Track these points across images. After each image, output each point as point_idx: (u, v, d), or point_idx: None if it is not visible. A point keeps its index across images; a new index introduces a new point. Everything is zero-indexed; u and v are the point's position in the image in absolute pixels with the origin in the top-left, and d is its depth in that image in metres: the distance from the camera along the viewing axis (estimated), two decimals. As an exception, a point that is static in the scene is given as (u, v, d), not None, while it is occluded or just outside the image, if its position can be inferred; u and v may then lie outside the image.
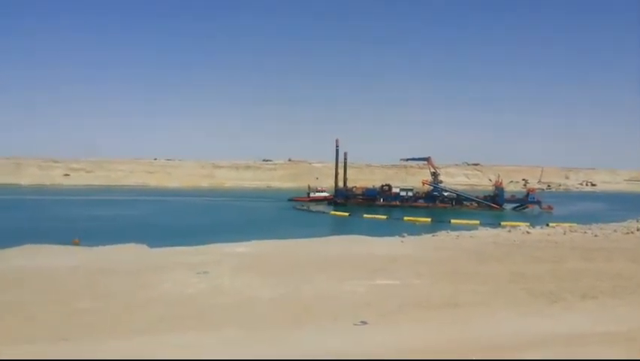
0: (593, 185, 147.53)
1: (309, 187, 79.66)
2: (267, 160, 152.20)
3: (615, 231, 23.03)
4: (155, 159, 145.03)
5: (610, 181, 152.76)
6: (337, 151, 79.01)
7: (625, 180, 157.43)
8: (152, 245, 20.85)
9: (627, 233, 22.12)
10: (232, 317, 9.86)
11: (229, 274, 13.55)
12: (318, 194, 77.90)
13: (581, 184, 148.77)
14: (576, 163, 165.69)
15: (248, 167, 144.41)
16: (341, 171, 78.85)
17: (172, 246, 19.98)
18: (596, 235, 21.79)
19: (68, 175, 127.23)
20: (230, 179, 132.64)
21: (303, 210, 67.31)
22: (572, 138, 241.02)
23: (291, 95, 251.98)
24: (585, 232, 22.85)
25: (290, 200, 76.55)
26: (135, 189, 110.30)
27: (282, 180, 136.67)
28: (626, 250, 17.68)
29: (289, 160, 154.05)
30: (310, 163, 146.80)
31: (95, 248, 19.98)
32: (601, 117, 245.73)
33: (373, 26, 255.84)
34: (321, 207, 69.93)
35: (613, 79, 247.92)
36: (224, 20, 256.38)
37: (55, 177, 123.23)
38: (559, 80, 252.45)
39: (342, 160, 79.53)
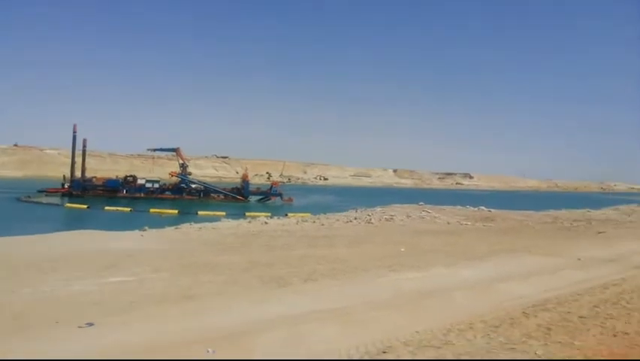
0: (325, 179, 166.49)
1: (64, 177, 70.54)
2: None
3: (338, 220, 26.24)
4: None
5: (339, 176, 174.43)
6: (75, 138, 72.12)
7: (350, 175, 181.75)
8: None
9: (347, 222, 25.41)
10: None
11: None
12: None
13: (316, 178, 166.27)
14: (314, 159, 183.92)
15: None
16: (79, 160, 72.17)
17: None
18: (322, 224, 24.47)
19: None
20: None
21: (32, 202, 59.42)
22: (310, 136, 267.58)
23: (21, 67, 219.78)
24: (314, 222, 25.48)
25: (41, 191, 66.90)
26: None
27: (6, 167, 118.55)
28: (344, 236, 20.35)
29: (15, 145, 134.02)
30: (42, 150, 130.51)
31: None
32: (331, 119, 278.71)
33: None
34: (54, 200, 62.91)
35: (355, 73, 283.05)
36: None
37: None
38: (292, 76, 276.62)
39: (81, 148, 72.86)
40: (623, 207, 44.30)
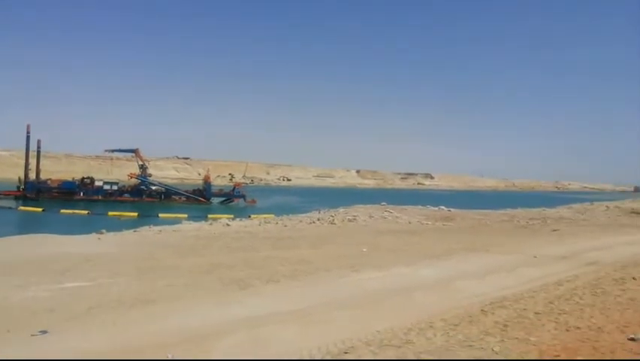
0: (288, 180, 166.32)
1: (19, 179, 67.90)
2: None
3: (301, 221, 26.22)
4: None
5: (302, 177, 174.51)
6: (28, 138, 69.75)
7: (314, 176, 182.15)
8: None
9: (310, 223, 25.42)
10: None
11: None
12: None
13: (279, 179, 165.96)
14: (277, 159, 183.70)
15: None
16: (33, 161, 69.83)
17: None
18: (285, 225, 24.40)
19: None
20: None
21: (-19, 206, 57.18)
22: (273, 137, 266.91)
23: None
24: (277, 223, 25.37)
25: None
26: None
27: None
28: (307, 237, 20.36)
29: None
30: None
31: None
32: (298, 118, 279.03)
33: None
34: (7, 203, 60.66)
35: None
36: None
37: None
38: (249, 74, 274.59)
39: (35, 148, 70.50)
40: (576, 206, 45.85)
